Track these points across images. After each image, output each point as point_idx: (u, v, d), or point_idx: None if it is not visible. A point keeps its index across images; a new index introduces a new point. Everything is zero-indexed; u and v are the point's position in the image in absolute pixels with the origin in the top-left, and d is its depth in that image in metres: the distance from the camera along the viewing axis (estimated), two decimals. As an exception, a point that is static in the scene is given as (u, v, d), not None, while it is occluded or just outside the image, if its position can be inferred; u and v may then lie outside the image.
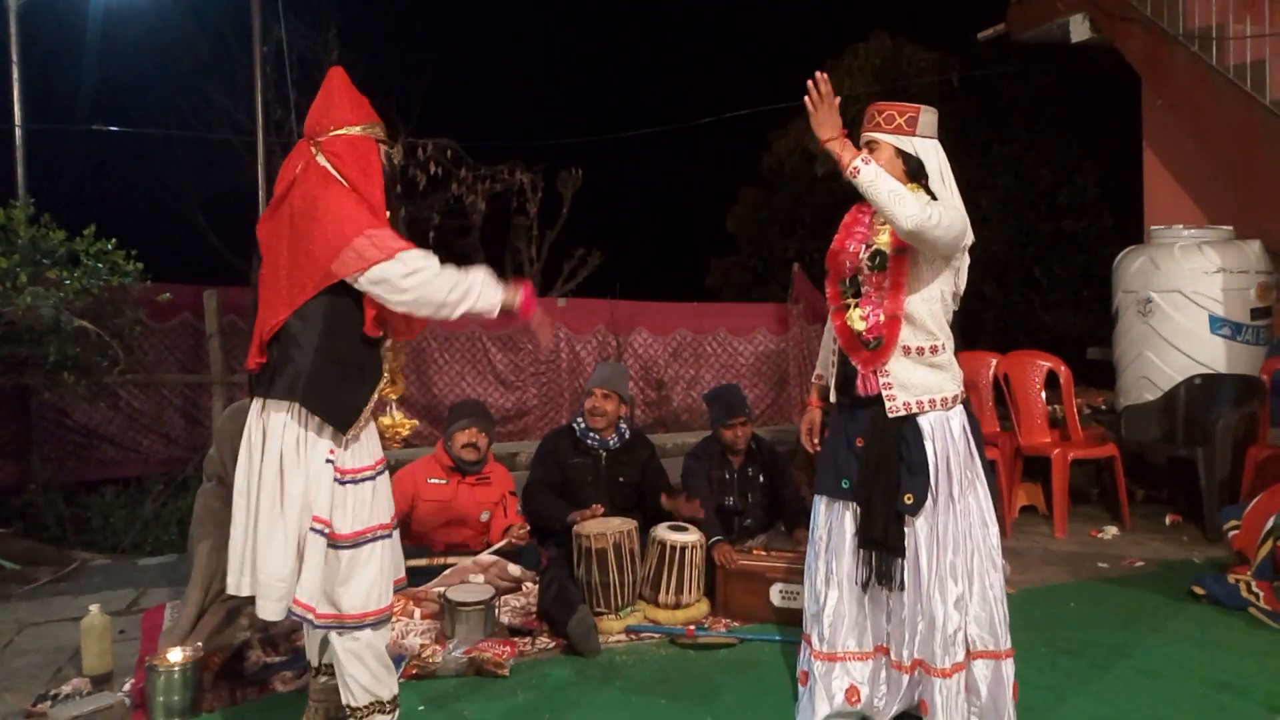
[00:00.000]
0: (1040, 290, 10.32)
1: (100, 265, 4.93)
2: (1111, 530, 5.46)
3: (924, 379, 2.84)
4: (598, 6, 12.35)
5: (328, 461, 2.57)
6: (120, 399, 6.54)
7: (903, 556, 2.84)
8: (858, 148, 2.81)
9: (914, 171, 2.85)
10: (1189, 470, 5.51)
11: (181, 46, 9.75)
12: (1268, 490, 4.41)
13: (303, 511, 2.56)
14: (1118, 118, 8.22)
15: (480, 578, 4.00)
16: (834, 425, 3.05)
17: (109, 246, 4.99)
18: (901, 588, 2.85)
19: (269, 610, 2.59)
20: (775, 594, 3.97)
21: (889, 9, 11.25)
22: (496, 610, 3.81)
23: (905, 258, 2.82)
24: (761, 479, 4.67)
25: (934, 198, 2.82)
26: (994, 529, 2.91)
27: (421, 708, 3.23)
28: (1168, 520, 5.64)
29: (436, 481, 4.34)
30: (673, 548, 3.97)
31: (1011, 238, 10.28)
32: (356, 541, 2.61)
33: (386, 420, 2.69)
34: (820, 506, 3.04)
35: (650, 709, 3.20)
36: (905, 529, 2.84)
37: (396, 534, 2.77)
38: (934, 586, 2.81)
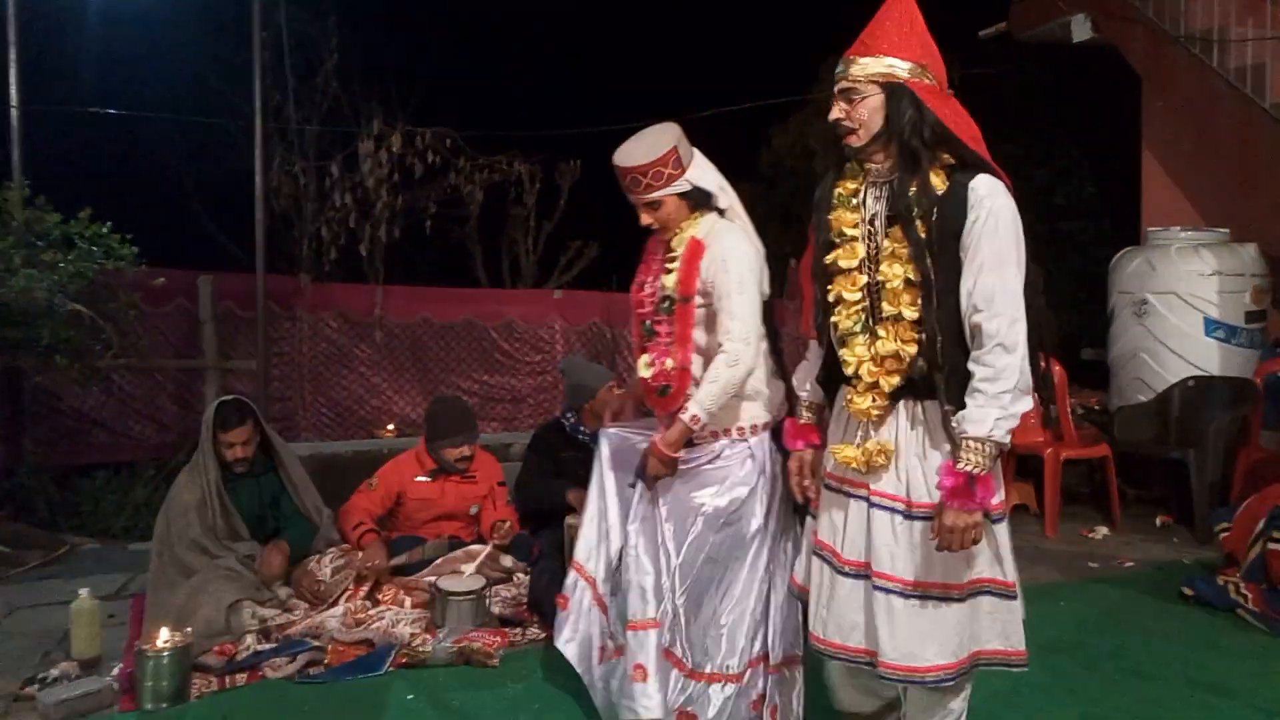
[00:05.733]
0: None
1: (95, 248, 4.92)
2: (1102, 530, 5.48)
3: (730, 407, 2.71)
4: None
5: None
6: (113, 383, 6.53)
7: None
8: (640, 208, 2.75)
9: (699, 201, 2.76)
10: (1180, 472, 5.52)
11: (179, 31, 9.70)
12: (1258, 493, 4.43)
13: None
14: (1117, 119, 8.22)
15: (471, 568, 4.00)
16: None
17: (104, 230, 4.98)
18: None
19: None
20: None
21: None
22: (487, 600, 3.81)
23: (690, 305, 2.70)
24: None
25: (721, 213, 2.77)
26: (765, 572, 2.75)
27: (410, 696, 3.23)
28: (1158, 521, 5.65)
29: (423, 479, 4.32)
30: (664, 541, 3.96)
31: (1008, 237, 10.24)
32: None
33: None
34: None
35: (639, 701, 3.20)
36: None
37: None
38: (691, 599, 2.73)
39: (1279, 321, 5.84)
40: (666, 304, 2.75)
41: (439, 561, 4.05)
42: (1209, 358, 5.54)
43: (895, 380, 2.26)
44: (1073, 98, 9.90)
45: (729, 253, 2.67)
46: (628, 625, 2.73)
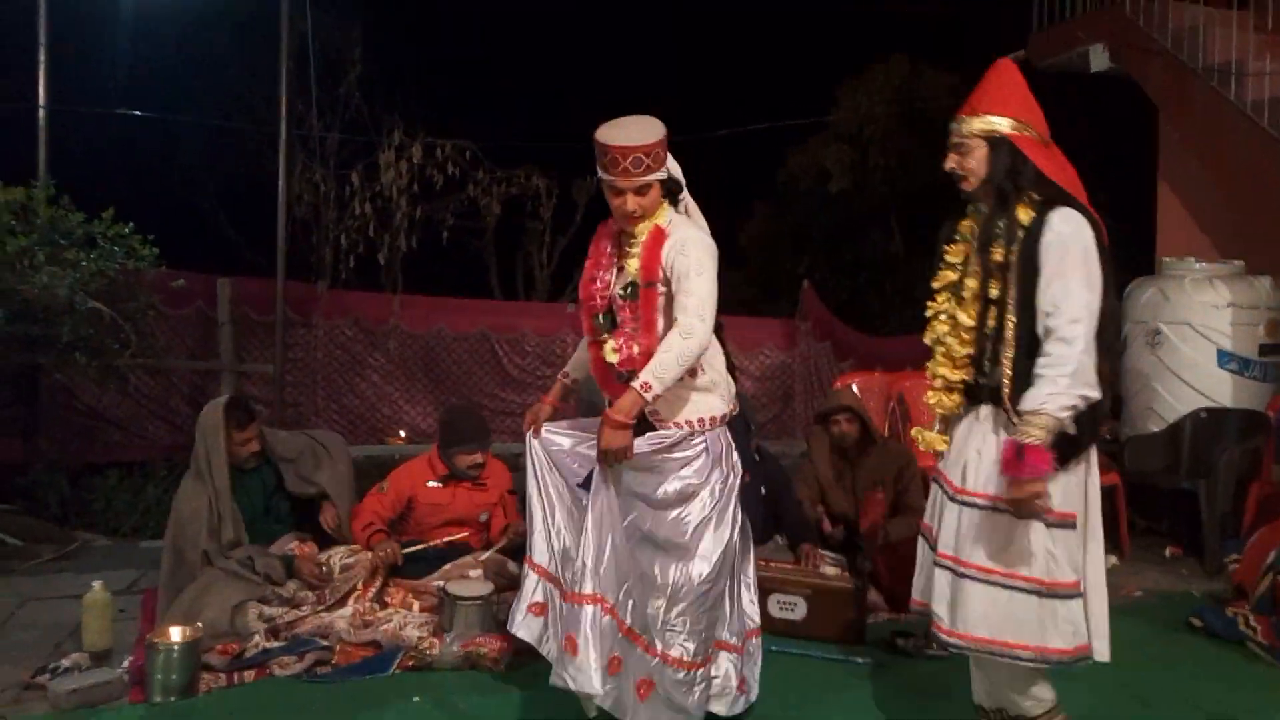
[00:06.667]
0: (1048, 318, 10.29)
1: (117, 248, 4.98)
2: (1111, 559, 5.43)
3: (690, 399, 2.79)
4: (620, 17, 12.46)
5: None
6: (129, 383, 6.59)
7: None
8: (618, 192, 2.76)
9: (672, 191, 2.86)
10: (1191, 503, 5.49)
11: (205, 37, 9.83)
12: (1270, 525, 4.41)
13: None
14: (1133, 149, 8.24)
15: (479, 573, 4.02)
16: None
17: (126, 230, 5.04)
18: None
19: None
20: (773, 604, 3.97)
21: (910, 31, 11.30)
22: (495, 606, 3.83)
23: (654, 290, 2.76)
24: (763, 491, 4.66)
25: (674, 203, 2.87)
26: (707, 556, 2.80)
27: (416, 699, 3.25)
28: (1167, 552, 5.62)
29: (434, 485, 4.34)
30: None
31: (1022, 265, 10.25)
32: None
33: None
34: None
35: (644, 712, 3.20)
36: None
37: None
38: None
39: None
40: (630, 289, 2.80)
41: (448, 566, 4.07)
42: (1221, 389, 5.53)
43: (943, 372, 2.62)
44: (1089, 127, 9.93)
45: (689, 238, 2.79)
46: (564, 595, 2.77)
